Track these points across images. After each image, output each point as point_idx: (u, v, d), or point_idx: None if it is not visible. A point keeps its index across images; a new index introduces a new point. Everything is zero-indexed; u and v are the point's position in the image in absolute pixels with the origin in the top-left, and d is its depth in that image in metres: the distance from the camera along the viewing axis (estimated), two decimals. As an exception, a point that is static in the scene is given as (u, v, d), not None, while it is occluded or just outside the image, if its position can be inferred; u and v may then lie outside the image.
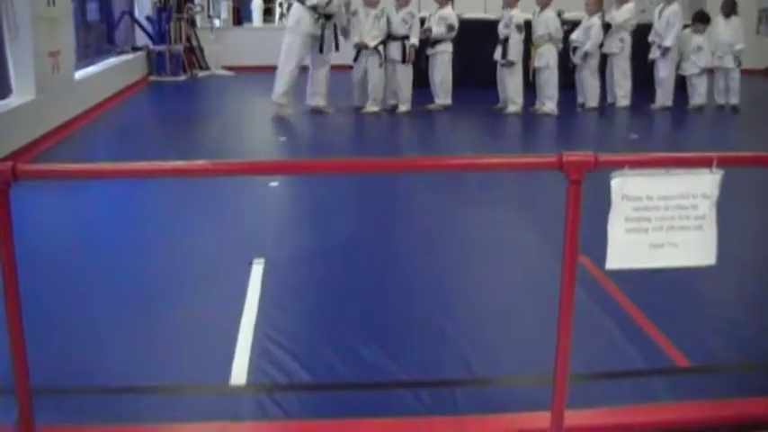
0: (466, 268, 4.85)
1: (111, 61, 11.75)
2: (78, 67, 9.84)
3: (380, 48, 10.12)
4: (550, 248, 4.57)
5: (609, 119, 10.49)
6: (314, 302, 4.28)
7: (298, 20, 9.63)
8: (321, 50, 9.72)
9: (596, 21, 10.50)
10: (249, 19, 17.14)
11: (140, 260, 4.78)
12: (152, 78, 13.00)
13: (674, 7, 10.77)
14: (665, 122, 10.49)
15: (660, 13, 10.89)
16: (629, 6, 10.75)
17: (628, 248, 2.76)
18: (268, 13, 17.26)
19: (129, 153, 7.69)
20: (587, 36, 10.51)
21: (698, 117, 10.74)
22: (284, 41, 9.77)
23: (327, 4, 9.48)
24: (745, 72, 11.27)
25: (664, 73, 10.88)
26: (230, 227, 5.47)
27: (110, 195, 6.04)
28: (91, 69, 10.64)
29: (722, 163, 2.77)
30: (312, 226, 5.65)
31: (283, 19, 16.43)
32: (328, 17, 9.66)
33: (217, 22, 15.24)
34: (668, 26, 10.73)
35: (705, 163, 2.76)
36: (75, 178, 5.65)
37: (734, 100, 10.99)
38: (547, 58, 10.26)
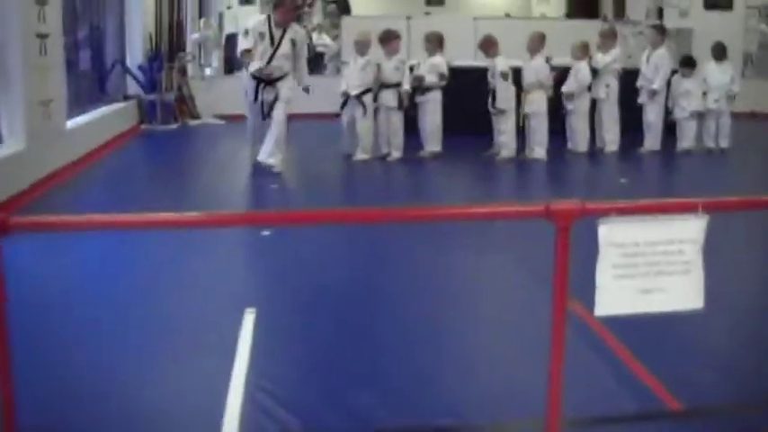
0: (457, 314, 4.85)
1: (103, 110, 11.80)
2: (70, 116, 9.88)
3: (363, 97, 10.18)
4: (543, 294, 4.58)
5: (598, 164, 10.57)
6: (305, 351, 4.27)
7: (244, 87, 9.65)
8: (263, 117, 9.43)
9: (583, 65, 10.61)
10: (240, 68, 17.23)
11: (131, 310, 4.78)
12: (143, 127, 13.06)
13: (661, 51, 10.92)
14: (654, 166, 10.58)
15: (648, 57, 11.03)
16: (613, 51, 10.88)
17: (616, 294, 2.79)
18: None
19: (122, 202, 7.70)
20: (575, 80, 10.62)
21: (688, 160, 10.82)
22: None
23: (262, 70, 9.20)
24: (731, 115, 11.39)
25: (652, 117, 10.99)
26: (222, 276, 5.48)
27: (100, 245, 6.03)
28: (82, 118, 10.67)
29: (708, 208, 2.80)
30: (303, 275, 5.66)
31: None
32: (269, 83, 9.32)
33: (208, 71, 15.37)
34: (656, 70, 10.86)
35: (691, 209, 2.80)
36: (67, 230, 5.65)
37: (724, 143, 11.11)
38: (537, 104, 10.35)
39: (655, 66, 10.90)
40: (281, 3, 9.19)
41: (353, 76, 10.24)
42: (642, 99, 11.07)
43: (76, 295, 5.10)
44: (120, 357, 4.09)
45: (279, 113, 9.16)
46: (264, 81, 9.26)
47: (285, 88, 9.24)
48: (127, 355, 4.11)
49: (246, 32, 9.27)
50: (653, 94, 10.90)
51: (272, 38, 9.16)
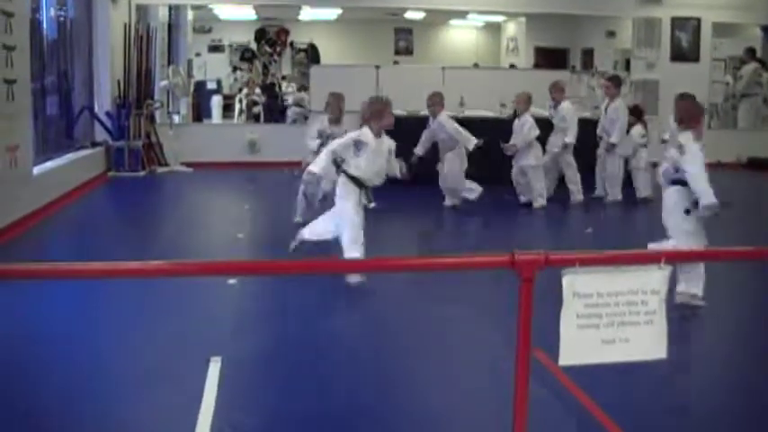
0: (426, 366, 4.84)
1: (70, 156, 11.74)
2: (36, 162, 9.82)
3: None
4: (507, 343, 4.60)
5: (564, 213, 10.65)
6: (271, 401, 4.25)
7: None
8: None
9: (528, 118, 10.61)
10: (209, 115, 17.31)
11: (95, 359, 4.73)
12: (111, 174, 13.00)
13: (616, 104, 11.02)
14: (617, 215, 10.68)
15: (605, 108, 11.16)
16: (563, 105, 10.94)
17: (580, 344, 2.81)
18: (227, 109, 17.44)
19: (87, 250, 7.64)
20: (521, 134, 10.62)
21: (648, 209, 10.91)
22: None
23: None
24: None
25: (611, 168, 11.10)
26: (187, 325, 5.44)
27: (66, 293, 5.98)
28: (49, 164, 10.60)
29: (670, 259, 2.85)
30: (270, 324, 5.64)
31: (242, 115, 16.68)
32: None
33: (176, 118, 15.36)
34: (612, 123, 10.98)
35: (654, 260, 2.84)
36: (32, 278, 5.60)
37: None
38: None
39: (611, 119, 11.00)
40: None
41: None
42: (600, 151, 11.19)
43: (39, 345, 5.03)
44: (83, 406, 4.04)
45: None
46: None
47: None
48: (89, 404, 4.06)
49: None
50: (610, 147, 11.02)
51: None
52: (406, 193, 9.57)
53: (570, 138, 10.81)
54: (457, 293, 6.01)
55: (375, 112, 6.56)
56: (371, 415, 4.05)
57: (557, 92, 11.02)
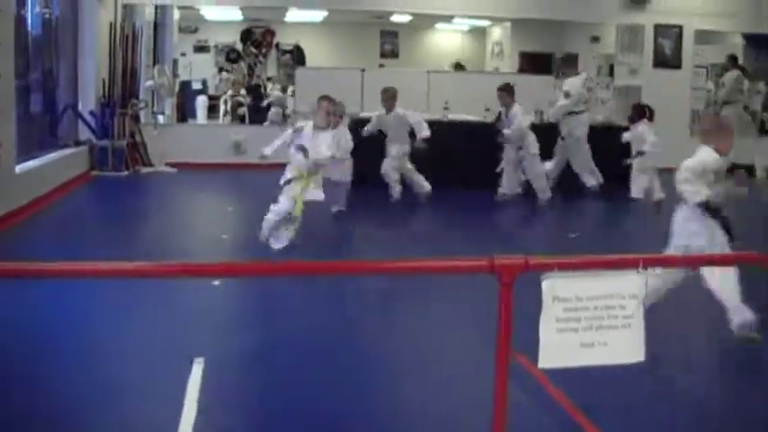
0: (406, 368, 4.88)
1: (54, 155, 11.70)
2: (20, 161, 9.79)
3: None
4: (487, 346, 4.63)
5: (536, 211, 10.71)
6: (254, 402, 4.27)
7: None
8: None
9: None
10: (193, 116, 17.28)
11: (77, 360, 4.73)
12: (94, 173, 12.95)
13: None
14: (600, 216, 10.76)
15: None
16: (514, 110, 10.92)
17: (559, 348, 2.84)
18: (212, 110, 17.41)
19: (69, 249, 7.62)
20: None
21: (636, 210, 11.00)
22: None
23: None
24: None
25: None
26: (171, 325, 5.45)
27: (48, 292, 5.96)
28: (33, 163, 10.56)
29: (648, 264, 2.89)
30: (253, 325, 5.65)
31: (227, 116, 16.66)
32: None
33: (161, 119, 15.32)
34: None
35: (632, 265, 2.88)
36: (11, 277, 5.59)
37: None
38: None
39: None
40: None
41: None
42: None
43: (21, 344, 5.03)
44: (65, 407, 4.04)
45: None
46: None
47: None
48: (72, 405, 4.06)
49: None
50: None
51: None
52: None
53: (534, 149, 10.94)
54: (440, 295, 6.05)
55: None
56: (352, 417, 4.08)
57: (507, 96, 10.96)
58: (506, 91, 10.94)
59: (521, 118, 10.83)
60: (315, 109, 8.11)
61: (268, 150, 7.99)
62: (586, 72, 11.59)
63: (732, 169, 6.33)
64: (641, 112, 11.14)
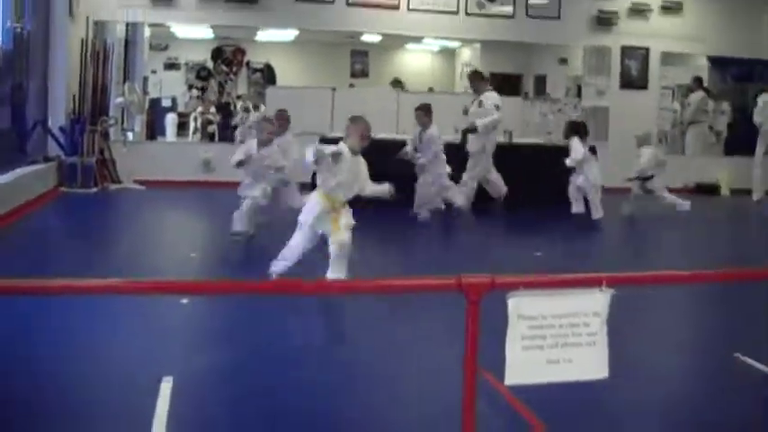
0: (375, 387, 4.90)
1: (22, 171, 11.62)
2: (-14, 177, 9.73)
3: None
4: (454, 364, 4.67)
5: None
6: (223, 421, 4.26)
7: None
8: None
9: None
10: (163, 133, 17.25)
11: (42, 379, 4.69)
12: (63, 189, 12.88)
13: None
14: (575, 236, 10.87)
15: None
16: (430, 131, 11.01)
17: (525, 365, 2.89)
18: (182, 127, 17.39)
19: (36, 266, 7.56)
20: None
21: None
22: None
23: None
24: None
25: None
26: (138, 344, 5.42)
27: (12, 311, 5.89)
28: (0, 179, 10.49)
29: (611, 283, 2.95)
30: (222, 344, 5.64)
31: (197, 133, 16.64)
32: None
33: (130, 135, 15.29)
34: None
35: (595, 283, 2.94)
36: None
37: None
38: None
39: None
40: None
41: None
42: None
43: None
44: (30, 427, 4.01)
45: None
46: None
47: None
48: (37, 425, 4.03)
49: None
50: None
51: None
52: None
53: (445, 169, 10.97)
54: (409, 313, 6.09)
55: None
56: (321, 434, 4.09)
57: (425, 116, 10.99)
58: (423, 110, 10.98)
59: (436, 140, 10.91)
60: (347, 132, 6.83)
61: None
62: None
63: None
64: (575, 129, 11.54)
